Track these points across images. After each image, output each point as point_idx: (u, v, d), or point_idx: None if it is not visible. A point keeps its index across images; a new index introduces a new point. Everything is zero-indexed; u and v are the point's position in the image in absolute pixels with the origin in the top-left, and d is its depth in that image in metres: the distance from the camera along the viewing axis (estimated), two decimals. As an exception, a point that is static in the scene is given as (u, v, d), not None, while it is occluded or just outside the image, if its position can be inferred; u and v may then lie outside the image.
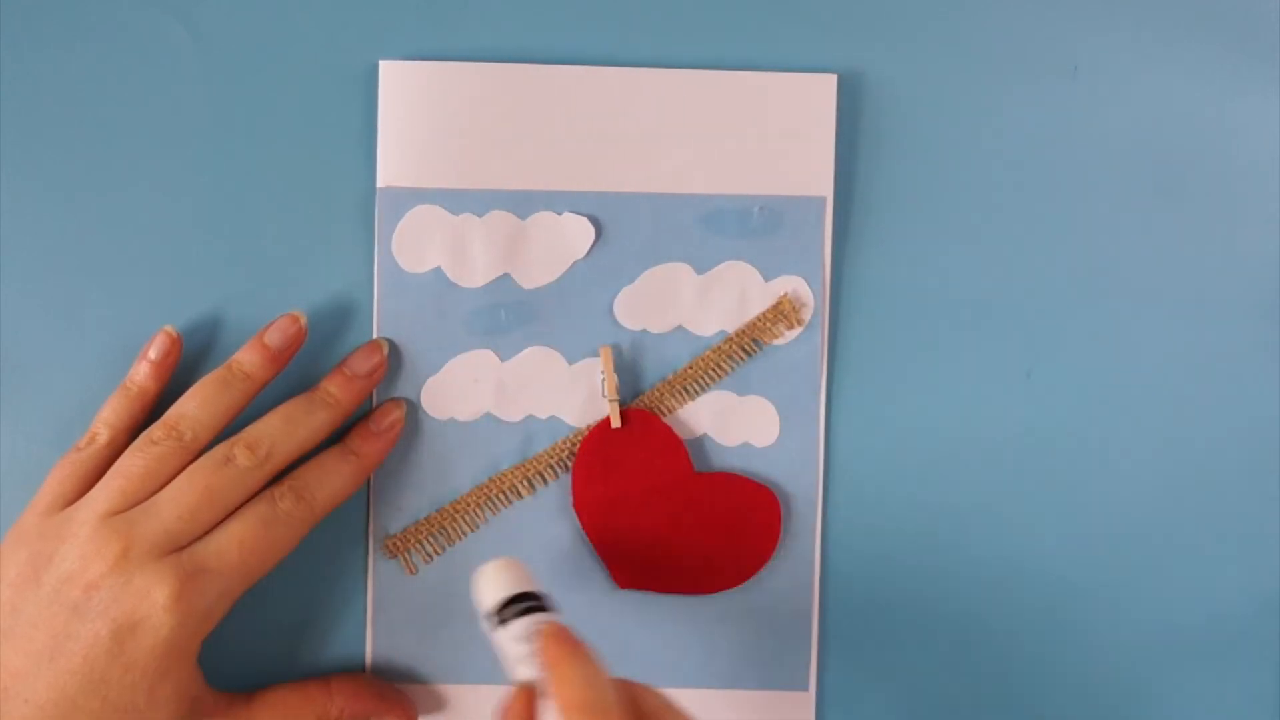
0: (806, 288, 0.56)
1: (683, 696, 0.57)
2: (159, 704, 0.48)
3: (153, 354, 0.53)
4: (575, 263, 0.56)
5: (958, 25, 0.57)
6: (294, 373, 0.55)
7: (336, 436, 0.54)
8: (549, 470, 0.56)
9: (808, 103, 0.56)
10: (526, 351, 0.56)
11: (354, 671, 0.56)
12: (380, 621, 0.56)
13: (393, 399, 0.56)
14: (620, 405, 0.56)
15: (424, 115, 0.55)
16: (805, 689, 0.57)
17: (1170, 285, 0.58)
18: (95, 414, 0.53)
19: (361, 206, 0.56)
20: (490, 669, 0.56)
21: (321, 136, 0.56)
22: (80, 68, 0.55)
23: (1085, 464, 0.58)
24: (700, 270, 0.56)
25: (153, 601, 0.47)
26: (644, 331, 0.56)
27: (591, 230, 0.56)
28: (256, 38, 0.55)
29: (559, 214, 0.56)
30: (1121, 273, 0.58)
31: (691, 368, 0.56)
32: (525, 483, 0.56)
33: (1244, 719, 0.59)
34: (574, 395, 0.56)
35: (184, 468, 0.50)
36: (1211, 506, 0.58)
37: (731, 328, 0.56)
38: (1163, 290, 0.58)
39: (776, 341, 0.57)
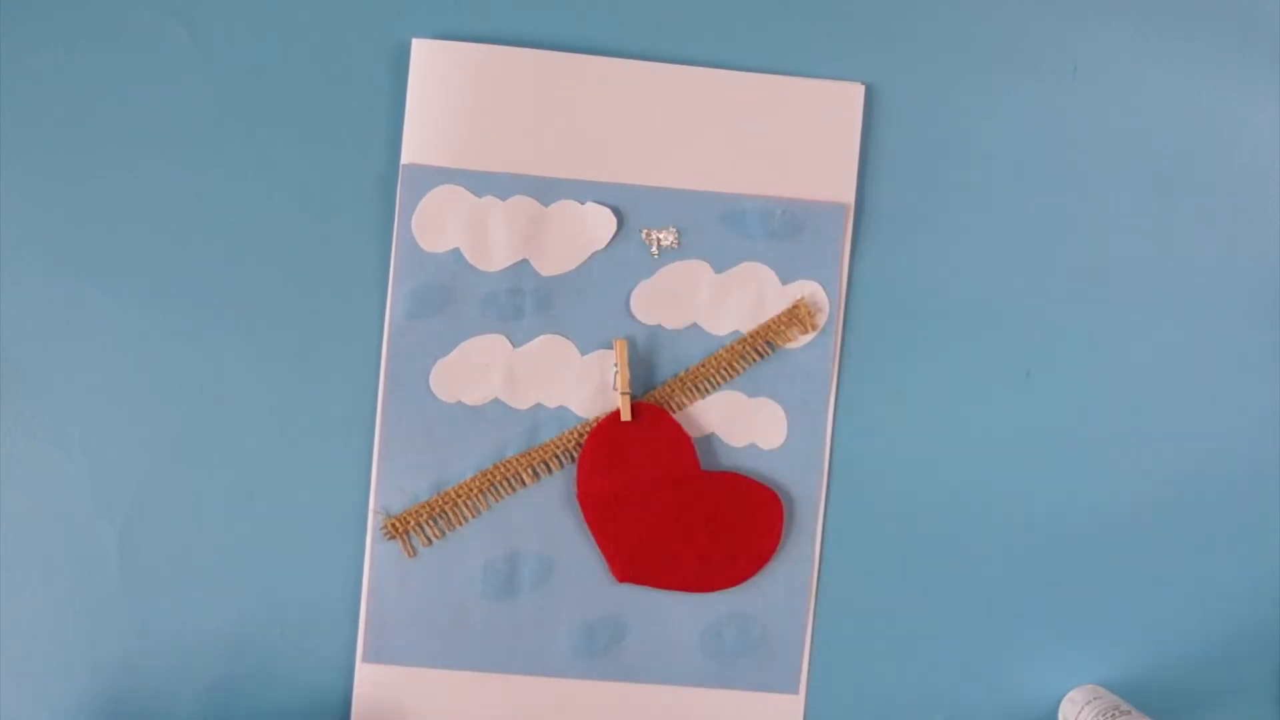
0: (822, 293, 0.57)
1: (673, 693, 0.57)
2: None
3: None
4: (594, 253, 0.56)
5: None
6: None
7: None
8: (554, 460, 0.56)
9: (835, 110, 0.56)
10: (539, 339, 0.56)
11: None
12: (375, 604, 0.56)
13: None
14: (631, 399, 0.56)
15: (453, 95, 0.55)
16: (795, 692, 0.57)
17: (1170, 285, 0.58)
18: (95, 414, 0.52)
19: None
20: (485, 656, 0.56)
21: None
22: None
23: (1085, 464, 0.58)
24: (718, 269, 0.56)
25: None
26: (659, 327, 0.56)
27: (613, 220, 0.55)
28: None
29: (582, 203, 0.55)
30: (1121, 273, 0.58)
31: (704, 366, 0.56)
32: (530, 471, 0.56)
33: (1244, 718, 0.59)
34: (584, 386, 0.56)
35: None
36: (1211, 506, 0.59)
37: (746, 328, 0.56)
38: (1163, 290, 0.58)
39: (789, 345, 0.57)
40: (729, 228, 0.56)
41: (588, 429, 0.56)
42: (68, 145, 0.55)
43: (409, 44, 0.55)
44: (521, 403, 0.56)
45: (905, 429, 0.58)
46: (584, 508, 0.56)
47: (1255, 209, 0.58)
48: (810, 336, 0.57)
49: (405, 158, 0.55)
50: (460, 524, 0.56)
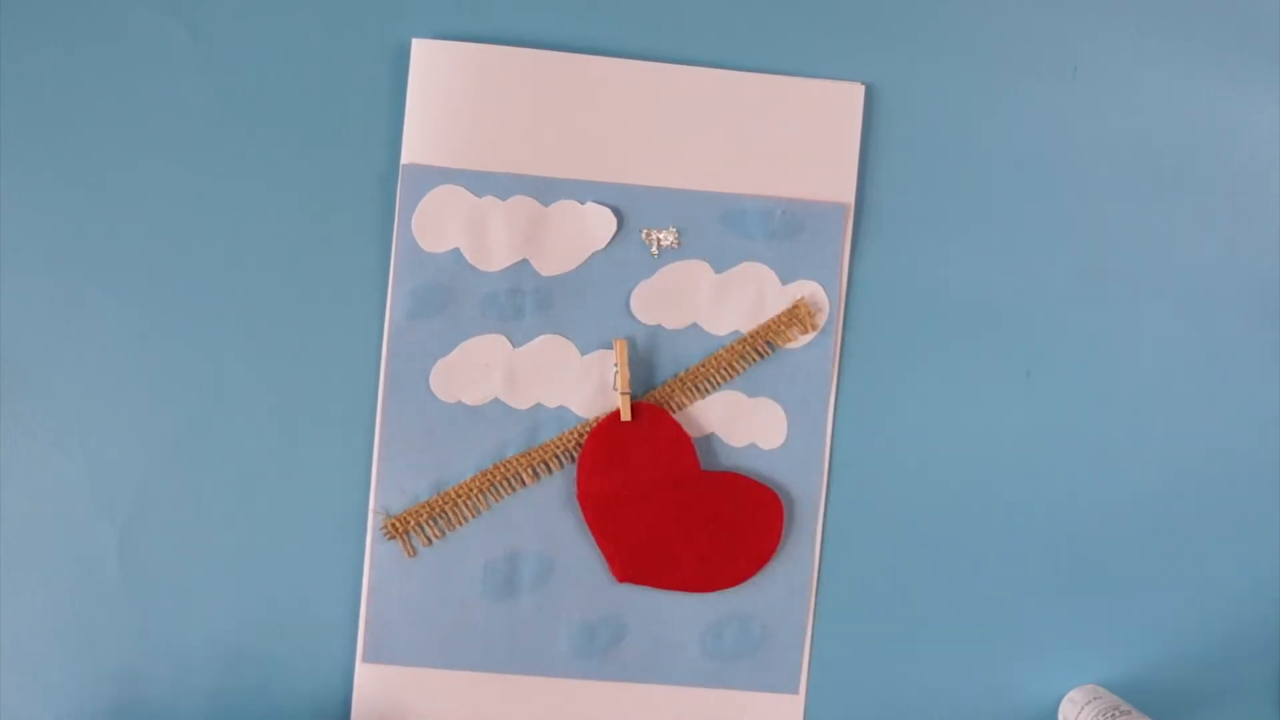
0: (822, 293, 0.57)
1: (673, 693, 0.57)
2: None
3: None
4: (594, 253, 0.56)
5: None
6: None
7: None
8: (554, 460, 0.56)
9: (835, 110, 0.56)
10: (539, 339, 0.56)
11: None
12: (375, 604, 0.56)
13: None
14: (631, 399, 0.56)
15: (453, 95, 0.55)
16: (795, 692, 0.57)
17: (1170, 285, 0.58)
18: (95, 414, 0.52)
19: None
20: (485, 656, 0.56)
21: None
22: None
23: (1085, 464, 0.58)
24: (718, 269, 0.56)
25: None
26: (659, 327, 0.56)
27: (613, 220, 0.55)
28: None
29: (582, 203, 0.55)
30: (1121, 273, 0.58)
31: (704, 366, 0.56)
32: (530, 471, 0.56)
33: (1244, 718, 0.59)
34: (584, 386, 0.56)
35: None
36: (1211, 506, 0.59)
37: (746, 328, 0.56)
38: (1163, 290, 0.58)
39: (789, 345, 0.57)
40: (729, 228, 0.56)
41: (588, 429, 0.56)
42: (68, 145, 0.55)
43: (409, 44, 0.55)
44: (521, 403, 0.56)
45: (905, 429, 0.58)
46: (584, 508, 0.56)
47: (1255, 209, 0.58)
48: (810, 336, 0.57)
49: (405, 158, 0.55)
50: (460, 524, 0.56)
